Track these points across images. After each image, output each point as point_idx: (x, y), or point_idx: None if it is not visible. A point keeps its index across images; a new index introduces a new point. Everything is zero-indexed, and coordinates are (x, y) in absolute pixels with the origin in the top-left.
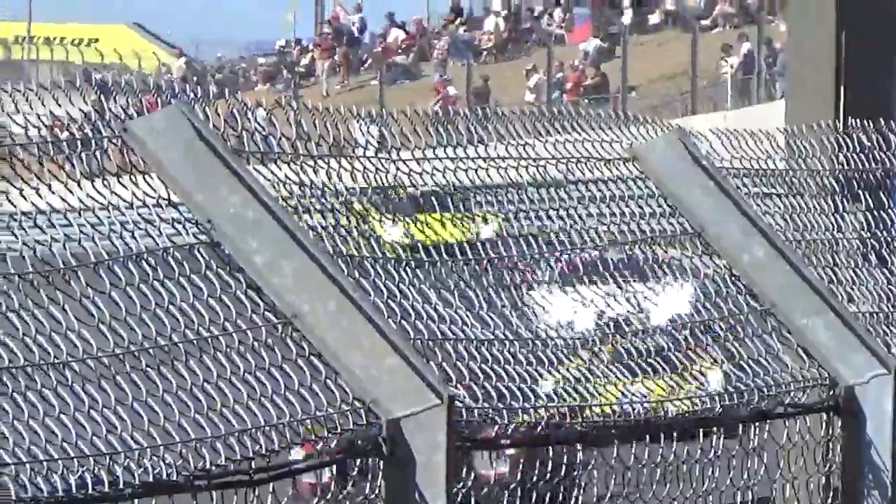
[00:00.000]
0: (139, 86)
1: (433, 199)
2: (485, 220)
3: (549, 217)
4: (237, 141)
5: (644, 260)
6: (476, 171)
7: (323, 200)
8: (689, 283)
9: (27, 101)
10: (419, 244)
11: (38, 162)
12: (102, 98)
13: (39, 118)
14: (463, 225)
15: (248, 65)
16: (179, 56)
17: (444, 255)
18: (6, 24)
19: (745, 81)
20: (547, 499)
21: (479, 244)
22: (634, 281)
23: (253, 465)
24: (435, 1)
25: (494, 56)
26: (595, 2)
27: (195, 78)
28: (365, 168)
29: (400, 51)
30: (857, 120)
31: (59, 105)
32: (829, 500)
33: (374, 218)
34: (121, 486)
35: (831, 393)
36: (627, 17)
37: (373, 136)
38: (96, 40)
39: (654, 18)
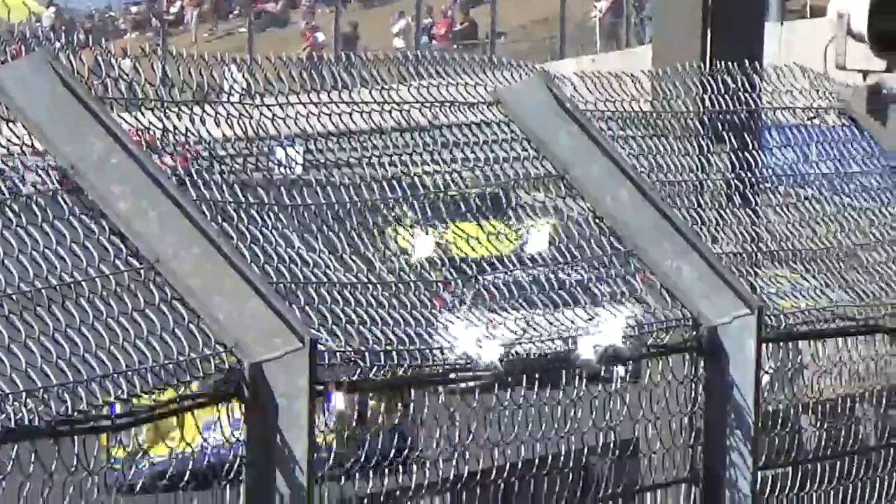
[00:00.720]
0: (5, 35)
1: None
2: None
3: (413, 162)
4: (102, 88)
5: (507, 202)
6: (340, 116)
7: (187, 146)
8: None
9: None
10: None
11: None
12: None
13: None
14: (506, 234)
15: (118, 13)
16: (49, 5)
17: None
18: None
19: (614, 26)
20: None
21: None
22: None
23: (115, 411)
24: None
25: (363, 2)
26: None
27: (63, 27)
28: (229, 114)
29: None
30: (722, 62)
31: None
32: (693, 440)
33: (398, 229)
34: None
35: (694, 333)
36: None
37: (237, 83)
38: None
39: None
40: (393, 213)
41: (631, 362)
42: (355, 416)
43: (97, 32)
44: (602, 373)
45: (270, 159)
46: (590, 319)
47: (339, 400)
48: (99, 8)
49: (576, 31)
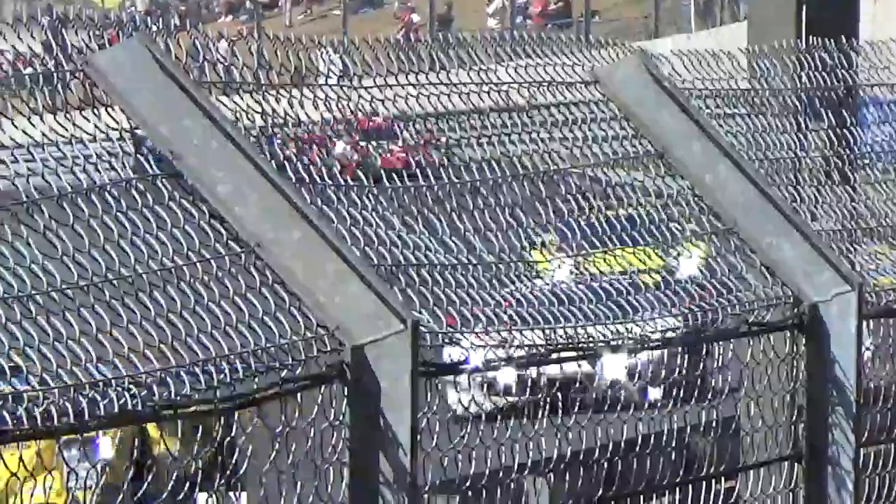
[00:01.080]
0: (101, 20)
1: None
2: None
3: (511, 142)
4: (199, 72)
5: (607, 182)
6: (438, 98)
7: (286, 129)
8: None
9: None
10: None
11: (1, 97)
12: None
13: (2, 54)
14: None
15: None
16: None
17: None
18: None
19: (709, 3)
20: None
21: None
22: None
23: (218, 395)
24: None
25: None
26: None
27: (158, 11)
28: (327, 96)
29: None
30: (818, 39)
31: (21, 40)
32: (794, 418)
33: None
34: (86, 417)
35: (795, 311)
36: None
37: (335, 65)
38: None
39: None
40: (535, 234)
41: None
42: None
43: (191, 16)
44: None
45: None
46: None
47: (105, 447)
48: None
49: (670, 8)
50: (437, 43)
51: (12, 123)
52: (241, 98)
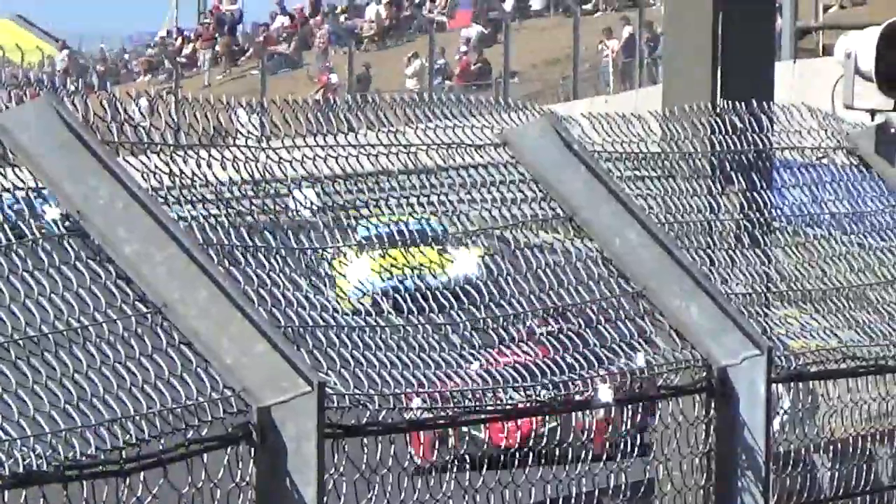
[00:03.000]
0: (21, 79)
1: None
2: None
3: (420, 203)
4: (115, 132)
5: (516, 244)
6: (346, 159)
7: (193, 190)
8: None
9: None
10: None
11: None
12: None
13: None
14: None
15: (131, 56)
16: (62, 48)
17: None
18: None
19: (627, 65)
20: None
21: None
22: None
23: (124, 455)
24: None
25: (376, 43)
26: None
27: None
28: (234, 157)
29: (282, 39)
30: (731, 103)
31: None
32: (704, 481)
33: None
34: None
35: (705, 374)
36: (509, 3)
37: (244, 126)
38: None
39: (536, 4)
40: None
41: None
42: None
43: (110, 75)
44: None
45: (278, 202)
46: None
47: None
48: (112, 49)
49: (589, 71)
50: (349, 104)
51: None
52: (150, 158)
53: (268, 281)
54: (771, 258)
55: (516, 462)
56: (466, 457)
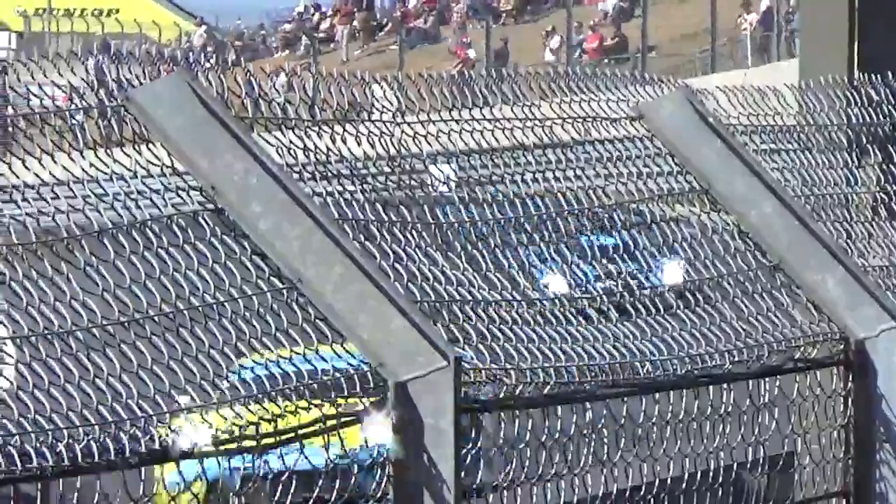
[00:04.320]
0: (156, 56)
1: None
2: None
3: (555, 178)
4: (250, 108)
5: (652, 217)
6: (482, 133)
7: (329, 166)
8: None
9: (42, 70)
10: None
11: (41, 132)
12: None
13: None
14: None
15: (269, 32)
16: (199, 25)
17: (451, 217)
18: None
19: (765, 38)
20: (557, 458)
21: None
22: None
23: (260, 430)
24: None
25: (514, 18)
26: None
27: (214, 46)
28: (370, 132)
29: (419, 14)
30: (867, 74)
31: (75, 74)
32: (843, 454)
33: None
34: (127, 454)
35: (842, 347)
36: None
37: (383, 101)
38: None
39: None
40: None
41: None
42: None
43: (247, 51)
44: None
45: (414, 177)
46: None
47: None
48: (249, 26)
49: (727, 45)
50: (485, 79)
51: (52, 160)
52: (285, 134)
53: (404, 256)
54: None
55: (653, 437)
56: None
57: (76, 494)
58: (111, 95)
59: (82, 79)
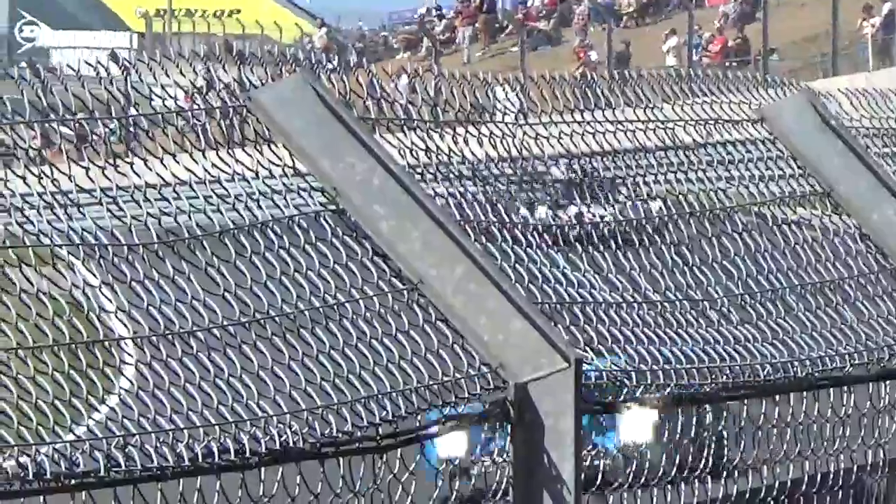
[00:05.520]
0: (278, 56)
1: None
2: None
3: (677, 180)
4: (373, 109)
5: (773, 220)
6: (604, 136)
7: (450, 167)
8: None
9: (164, 71)
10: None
11: (163, 133)
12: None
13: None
14: None
15: (390, 33)
16: (321, 26)
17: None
18: None
19: (887, 41)
20: (677, 461)
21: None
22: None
23: (380, 432)
24: None
25: (635, 20)
26: None
27: (335, 48)
28: (492, 133)
29: (541, 16)
30: None
31: (197, 75)
32: None
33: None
34: (247, 454)
35: None
36: None
37: (505, 102)
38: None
39: None
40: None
41: None
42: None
43: (369, 52)
44: None
45: (535, 179)
46: None
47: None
48: (371, 28)
49: (849, 47)
50: (607, 81)
51: (174, 160)
52: (407, 135)
53: (525, 257)
54: None
55: (773, 439)
56: (724, 432)
57: (197, 495)
58: (234, 96)
59: (204, 78)
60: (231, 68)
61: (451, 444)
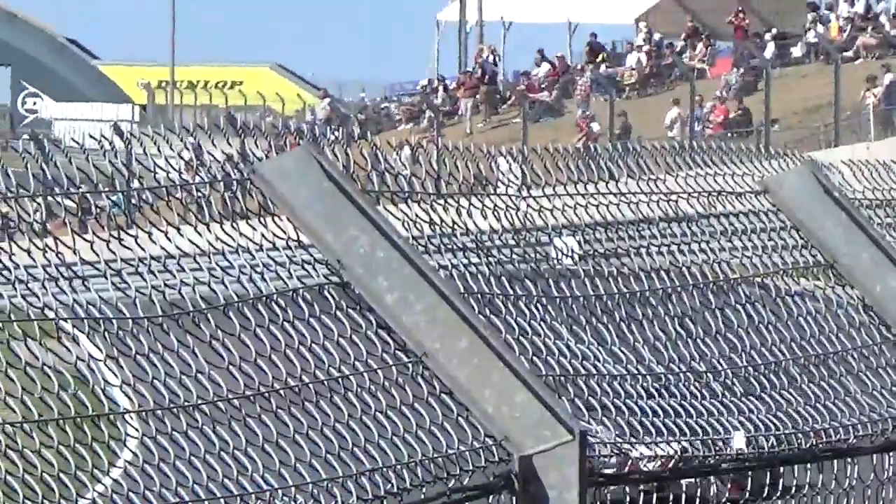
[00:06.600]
0: (281, 128)
1: None
2: None
3: (680, 251)
4: (376, 181)
5: (776, 292)
6: (607, 207)
7: (454, 239)
8: None
9: (168, 143)
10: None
11: (167, 205)
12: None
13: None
14: None
15: (392, 104)
16: (323, 97)
17: (576, 291)
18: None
19: (888, 112)
20: None
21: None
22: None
23: None
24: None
25: (637, 91)
26: (737, 35)
27: (338, 119)
28: (495, 205)
29: (542, 87)
30: None
31: (201, 148)
32: None
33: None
34: None
35: None
36: (769, 51)
37: (508, 174)
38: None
39: (795, 51)
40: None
41: None
42: None
43: (371, 123)
44: None
45: (539, 251)
46: None
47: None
48: (373, 99)
49: (850, 118)
50: (610, 152)
51: (178, 232)
52: (410, 207)
53: (528, 330)
54: None
55: None
56: None
57: None
58: (236, 168)
59: (208, 152)
60: (234, 140)
61: None
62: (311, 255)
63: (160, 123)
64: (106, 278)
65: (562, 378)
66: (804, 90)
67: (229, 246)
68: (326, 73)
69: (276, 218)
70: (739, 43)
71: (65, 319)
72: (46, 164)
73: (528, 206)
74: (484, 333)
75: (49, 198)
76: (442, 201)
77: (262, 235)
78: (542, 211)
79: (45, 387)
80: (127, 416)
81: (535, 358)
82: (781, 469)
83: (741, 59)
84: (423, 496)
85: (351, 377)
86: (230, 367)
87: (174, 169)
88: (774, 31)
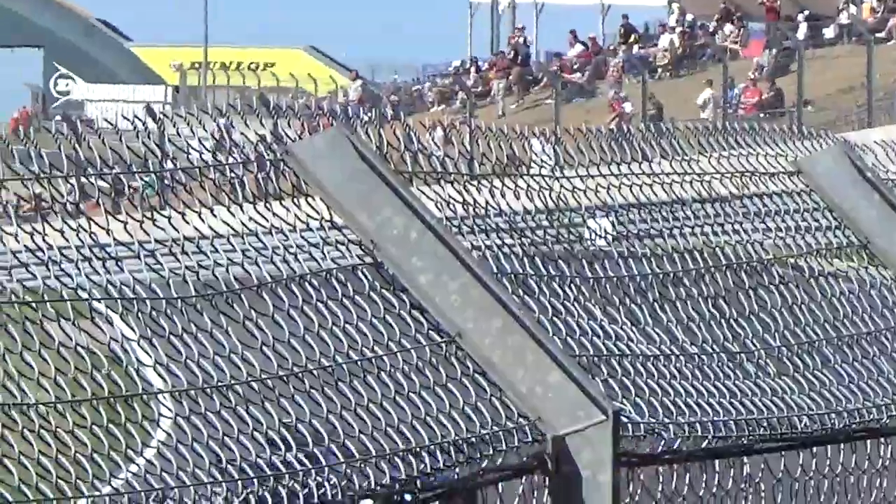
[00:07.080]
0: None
1: None
2: None
3: (714, 232)
4: (409, 161)
5: (810, 272)
6: (640, 188)
7: (487, 220)
8: None
9: (201, 124)
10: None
11: (200, 186)
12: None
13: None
14: None
15: (425, 86)
16: (355, 79)
17: (610, 272)
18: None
19: None
20: None
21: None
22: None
23: (419, 484)
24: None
25: (670, 72)
26: (769, 17)
27: (370, 100)
28: (529, 186)
29: (575, 68)
30: None
31: (234, 128)
32: None
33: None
34: None
35: None
36: (802, 32)
37: (541, 155)
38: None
39: (828, 32)
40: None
41: None
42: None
43: (404, 105)
44: None
45: (572, 231)
46: None
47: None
48: (406, 81)
49: (884, 99)
50: (643, 133)
51: (211, 213)
52: (443, 188)
53: (562, 310)
54: None
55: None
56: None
57: None
58: (269, 149)
59: (242, 133)
60: (266, 121)
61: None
62: (345, 236)
63: (193, 105)
64: (139, 259)
65: (595, 358)
66: (837, 71)
67: (263, 227)
68: (359, 54)
69: (309, 198)
70: (772, 24)
71: (98, 300)
72: (79, 144)
73: (561, 186)
74: (517, 314)
75: (82, 179)
76: (475, 182)
77: (296, 216)
78: (576, 192)
79: (78, 367)
80: (160, 397)
81: (568, 338)
82: (814, 449)
83: (774, 41)
84: (455, 476)
85: (384, 357)
86: (264, 347)
87: (207, 150)
88: (807, 12)
